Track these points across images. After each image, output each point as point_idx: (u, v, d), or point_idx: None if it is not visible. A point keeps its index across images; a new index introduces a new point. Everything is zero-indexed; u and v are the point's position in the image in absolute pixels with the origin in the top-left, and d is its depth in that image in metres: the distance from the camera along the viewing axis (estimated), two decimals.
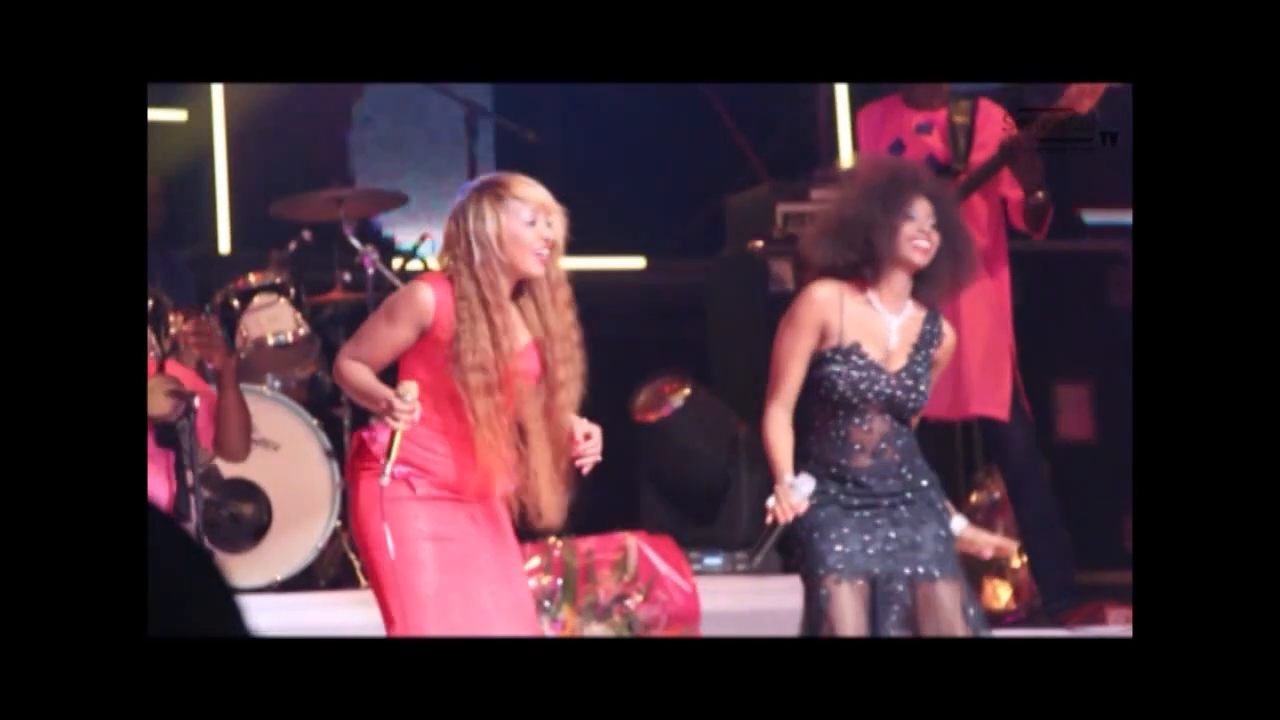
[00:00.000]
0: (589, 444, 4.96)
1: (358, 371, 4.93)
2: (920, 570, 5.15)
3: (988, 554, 5.50)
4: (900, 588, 5.14)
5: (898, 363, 5.25)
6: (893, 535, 5.18)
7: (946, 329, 5.35)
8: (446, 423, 4.90)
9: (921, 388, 5.26)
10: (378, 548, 4.84)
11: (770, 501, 5.14)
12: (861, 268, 5.23)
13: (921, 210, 5.23)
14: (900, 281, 5.26)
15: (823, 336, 5.23)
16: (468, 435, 4.89)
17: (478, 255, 4.85)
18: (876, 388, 5.21)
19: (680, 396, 7.67)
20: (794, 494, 5.12)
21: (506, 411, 4.88)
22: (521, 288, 4.94)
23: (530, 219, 4.88)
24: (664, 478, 7.54)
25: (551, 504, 4.97)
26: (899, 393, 5.22)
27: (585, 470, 5.00)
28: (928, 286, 5.28)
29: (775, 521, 5.12)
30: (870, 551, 5.15)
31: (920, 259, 5.22)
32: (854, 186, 5.33)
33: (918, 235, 5.21)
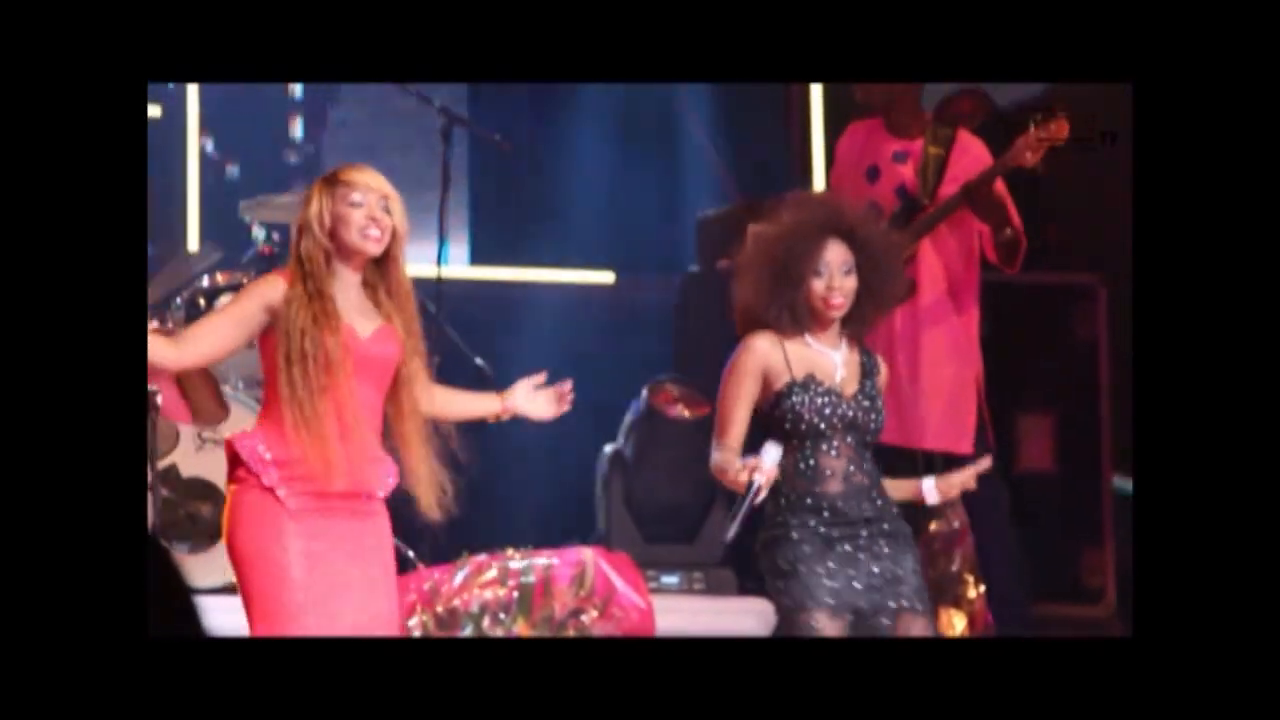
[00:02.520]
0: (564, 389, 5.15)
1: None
2: (904, 603, 5.18)
3: (963, 487, 5.38)
4: (886, 621, 5.16)
5: (852, 388, 5.28)
6: (875, 570, 5.19)
7: (879, 360, 5.39)
8: (299, 414, 4.85)
9: (879, 407, 5.29)
10: (246, 564, 4.85)
11: (743, 476, 5.04)
12: (786, 326, 5.26)
13: (834, 258, 5.22)
14: (828, 324, 5.28)
15: (768, 380, 5.24)
16: (330, 429, 4.86)
17: (305, 238, 4.90)
18: (840, 411, 5.23)
19: (696, 414, 7.64)
20: (765, 463, 5.07)
21: (329, 393, 4.84)
22: (366, 279, 4.96)
23: (358, 200, 4.90)
24: (646, 493, 7.52)
25: (428, 501, 4.95)
26: (860, 414, 5.25)
27: (567, 403, 5.13)
28: (852, 324, 5.31)
29: (752, 493, 5.05)
30: (857, 585, 5.17)
31: (835, 313, 5.24)
32: (752, 268, 5.29)
33: (827, 292, 5.22)
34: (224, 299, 7.35)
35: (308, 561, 4.83)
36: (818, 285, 5.22)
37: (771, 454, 5.07)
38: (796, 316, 5.23)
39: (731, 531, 5.06)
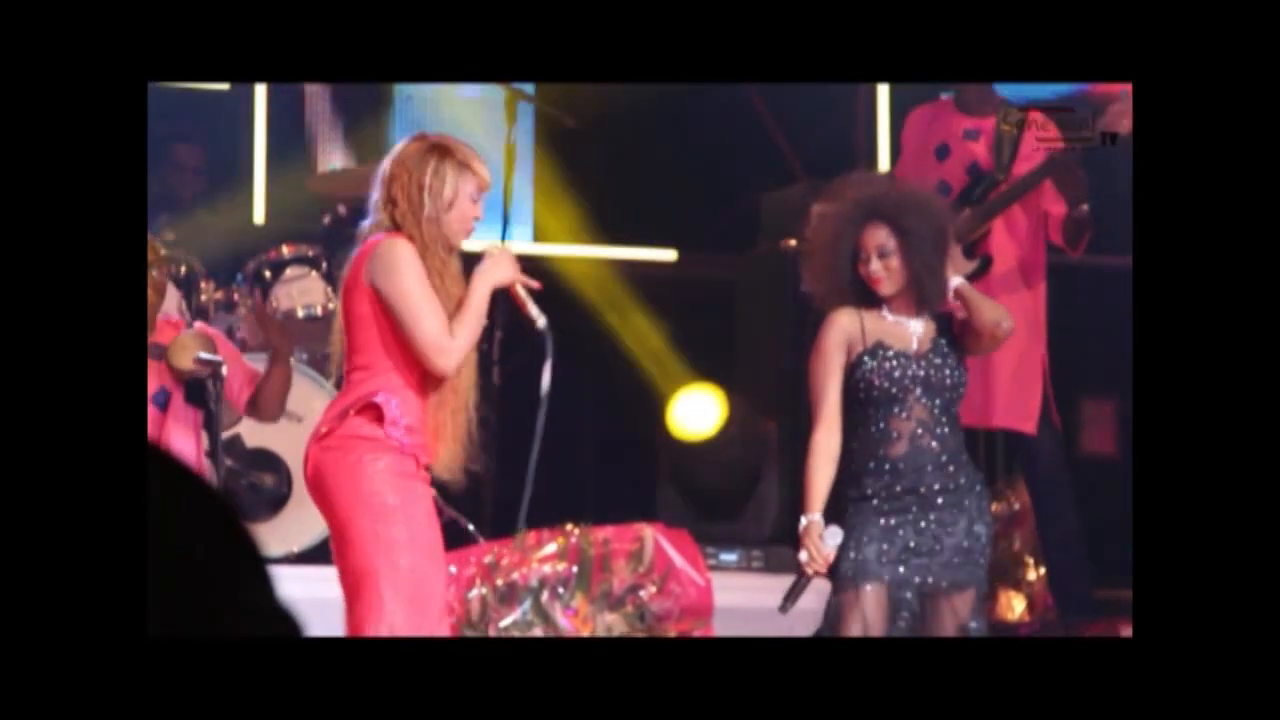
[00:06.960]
0: None
1: (451, 323, 4.84)
2: (930, 580, 5.20)
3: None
4: (909, 595, 5.18)
5: (924, 347, 5.33)
6: (911, 544, 5.22)
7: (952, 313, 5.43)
8: (421, 382, 4.88)
9: (954, 362, 5.33)
10: (385, 520, 4.75)
11: (802, 556, 5.21)
12: (853, 301, 5.33)
13: (870, 241, 5.30)
14: (895, 298, 5.34)
15: (849, 352, 5.31)
16: (428, 396, 4.88)
17: (426, 210, 4.81)
18: (910, 371, 5.29)
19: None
20: (824, 545, 5.19)
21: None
22: None
23: (476, 196, 4.87)
24: (691, 473, 7.53)
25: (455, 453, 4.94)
26: (932, 371, 5.29)
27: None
28: (919, 302, 5.38)
29: (806, 575, 5.21)
30: (884, 560, 5.20)
31: (887, 289, 5.29)
32: (812, 249, 5.45)
33: (868, 274, 5.30)
34: (290, 271, 7.37)
35: (432, 526, 4.85)
36: (861, 268, 5.30)
37: (832, 540, 5.17)
38: (858, 293, 5.31)
39: (786, 607, 5.23)
